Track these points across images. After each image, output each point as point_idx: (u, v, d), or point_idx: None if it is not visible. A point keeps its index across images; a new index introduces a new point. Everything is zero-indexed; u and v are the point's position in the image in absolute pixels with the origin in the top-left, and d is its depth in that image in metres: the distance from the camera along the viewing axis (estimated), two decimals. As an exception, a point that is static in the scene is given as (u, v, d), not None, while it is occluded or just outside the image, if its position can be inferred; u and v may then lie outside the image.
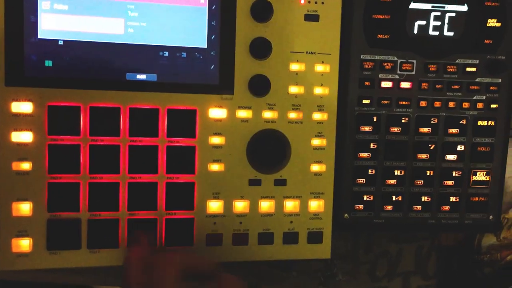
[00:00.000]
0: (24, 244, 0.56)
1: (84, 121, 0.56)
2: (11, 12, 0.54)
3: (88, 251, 0.58)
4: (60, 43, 0.55)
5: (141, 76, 0.57)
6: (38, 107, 0.55)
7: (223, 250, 0.61)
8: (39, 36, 0.55)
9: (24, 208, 0.56)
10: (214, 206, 0.60)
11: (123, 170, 0.57)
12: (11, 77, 0.54)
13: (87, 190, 0.57)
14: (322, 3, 0.61)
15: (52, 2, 0.55)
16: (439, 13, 0.64)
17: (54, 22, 0.55)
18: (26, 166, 0.55)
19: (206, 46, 0.59)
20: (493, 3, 0.65)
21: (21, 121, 0.55)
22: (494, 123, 0.67)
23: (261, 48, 0.59)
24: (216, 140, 0.60)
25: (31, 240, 0.56)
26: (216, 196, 0.60)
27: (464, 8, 0.64)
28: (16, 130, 0.55)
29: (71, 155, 0.56)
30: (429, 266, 0.76)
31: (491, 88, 0.66)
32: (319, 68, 0.62)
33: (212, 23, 0.59)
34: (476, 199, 0.68)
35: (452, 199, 0.67)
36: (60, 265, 0.57)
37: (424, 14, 0.64)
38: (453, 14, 0.64)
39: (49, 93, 0.55)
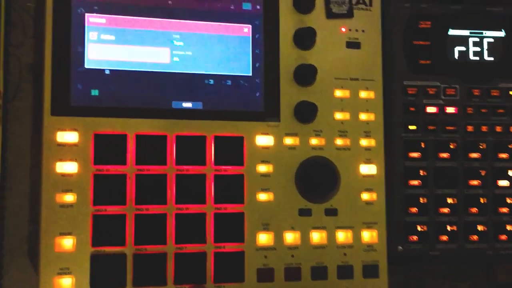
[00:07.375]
0: (66, 283, 0.52)
1: (130, 150, 0.54)
2: (58, 42, 0.54)
3: (133, 290, 0.54)
4: (107, 72, 0.55)
5: (187, 104, 0.56)
6: (84, 136, 0.54)
7: (275, 286, 0.57)
8: (86, 66, 0.54)
9: (67, 243, 0.52)
10: (264, 238, 0.57)
11: (170, 201, 0.55)
12: (58, 106, 0.53)
13: (133, 222, 0.54)
14: (363, 31, 0.62)
15: (100, 33, 0.55)
16: (477, 39, 0.65)
17: (101, 52, 0.55)
18: (70, 198, 0.53)
19: (250, 74, 0.58)
20: (528, 28, 0.66)
21: (66, 151, 0.53)
22: (543, 146, 0.65)
23: (305, 75, 0.59)
24: (263, 168, 0.58)
25: (74, 278, 0.52)
26: (265, 228, 0.57)
27: (501, 34, 0.65)
28: (61, 160, 0.53)
29: (117, 185, 0.54)
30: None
31: (536, 111, 0.65)
32: (363, 94, 0.61)
33: (256, 51, 0.59)
34: (534, 226, 0.65)
35: (509, 227, 0.64)
36: (103, 306, 0.53)
37: (463, 40, 0.64)
38: (491, 40, 0.65)
39: (95, 122, 0.54)
